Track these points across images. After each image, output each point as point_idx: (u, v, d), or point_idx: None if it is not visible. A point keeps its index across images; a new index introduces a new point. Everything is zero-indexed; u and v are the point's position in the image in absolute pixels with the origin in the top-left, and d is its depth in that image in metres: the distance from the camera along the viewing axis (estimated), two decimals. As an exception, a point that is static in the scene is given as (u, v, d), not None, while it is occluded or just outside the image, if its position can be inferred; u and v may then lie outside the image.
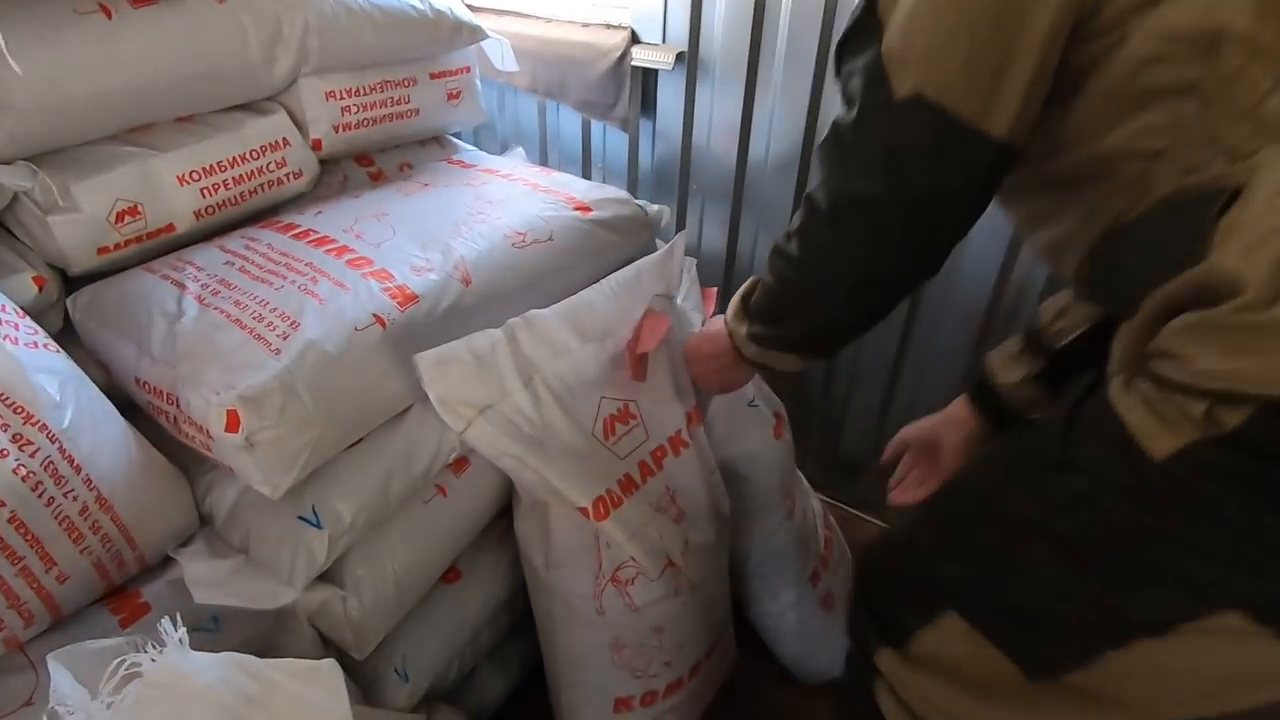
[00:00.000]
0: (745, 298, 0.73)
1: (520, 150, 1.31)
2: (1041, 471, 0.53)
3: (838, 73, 0.59)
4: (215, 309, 0.74)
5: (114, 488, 0.63)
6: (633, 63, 1.29)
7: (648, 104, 1.41)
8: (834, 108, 1.20)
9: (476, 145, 1.68)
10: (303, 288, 0.77)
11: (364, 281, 0.79)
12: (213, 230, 0.93)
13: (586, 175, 1.60)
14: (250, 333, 0.72)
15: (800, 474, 1.15)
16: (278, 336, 0.72)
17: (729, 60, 1.27)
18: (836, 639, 1.12)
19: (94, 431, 0.62)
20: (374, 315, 0.76)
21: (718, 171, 1.39)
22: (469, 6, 1.49)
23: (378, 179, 1.10)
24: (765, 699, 1.15)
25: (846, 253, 0.59)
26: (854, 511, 1.50)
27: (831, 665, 1.13)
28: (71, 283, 0.84)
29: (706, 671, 0.97)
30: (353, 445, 0.77)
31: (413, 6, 0.99)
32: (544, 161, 1.65)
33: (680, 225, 1.50)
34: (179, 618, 0.52)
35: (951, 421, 0.85)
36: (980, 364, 0.84)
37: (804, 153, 1.27)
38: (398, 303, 0.78)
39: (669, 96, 1.37)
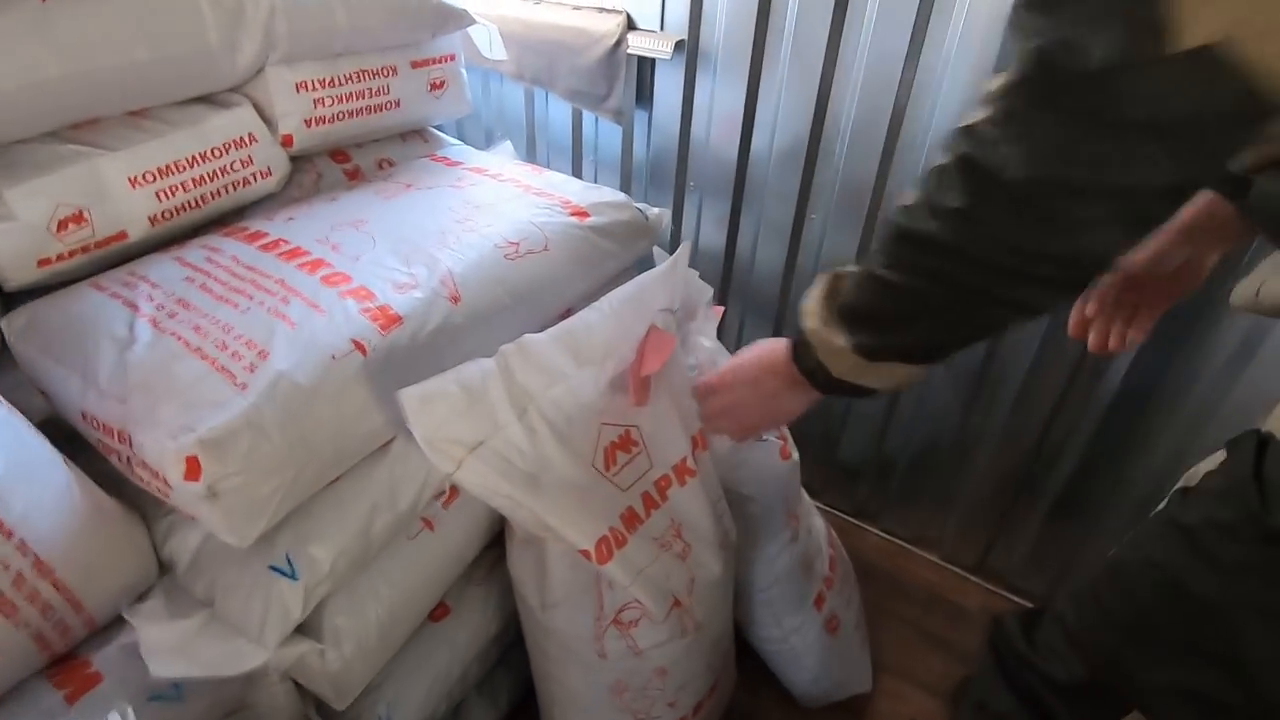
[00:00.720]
0: (831, 297, 0.56)
1: (508, 144, 1.22)
2: (1249, 547, 0.47)
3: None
4: (172, 334, 0.66)
5: (54, 549, 0.55)
6: (628, 51, 1.20)
7: (643, 94, 1.32)
8: (845, 98, 1.13)
9: (460, 135, 1.59)
10: (272, 309, 0.69)
11: (341, 302, 0.71)
12: (170, 237, 0.84)
13: (577, 167, 1.52)
14: (212, 363, 0.64)
15: (804, 491, 1.11)
16: (243, 368, 0.64)
17: (732, 48, 1.19)
18: (840, 663, 1.09)
19: (29, 485, 0.55)
20: (353, 341, 0.68)
21: (717, 166, 1.32)
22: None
23: (355, 177, 1.01)
24: (765, 721, 1.11)
25: (1045, 244, 0.43)
26: (852, 520, 1.46)
27: (835, 688, 1.09)
28: (10, 299, 0.75)
29: (710, 707, 0.92)
30: (330, 483, 0.70)
31: (389, -12, 0.90)
32: (532, 152, 1.56)
33: (677, 222, 1.43)
34: (130, 712, 0.45)
35: (1200, 220, 0.66)
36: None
37: (810, 147, 1.20)
38: (379, 325, 0.71)
39: (666, 86, 1.29)
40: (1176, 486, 0.62)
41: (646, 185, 1.43)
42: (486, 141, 1.61)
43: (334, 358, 0.67)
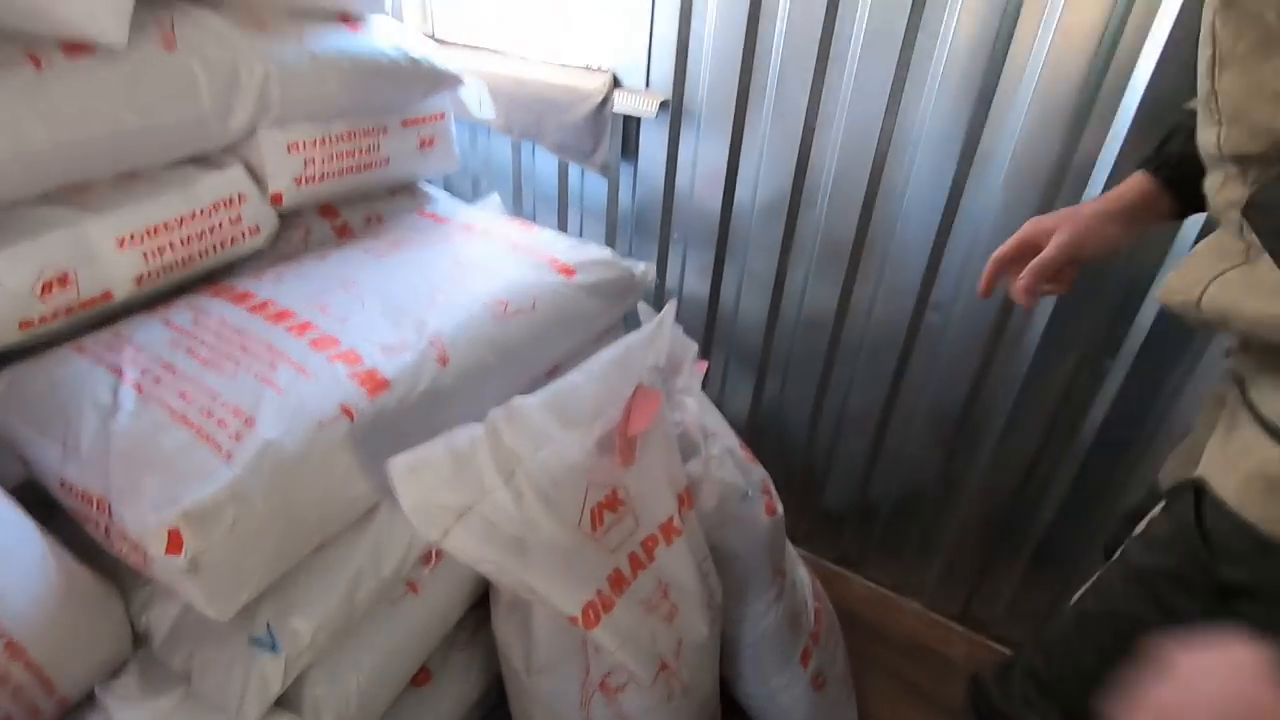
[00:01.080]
0: None
1: (496, 198, 1.24)
2: (1205, 599, 0.48)
3: None
4: (157, 402, 0.66)
5: (27, 628, 0.54)
6: (614, 110, 1.24)
7: (628, 148, 1.35)
8: (826, 153, 1.16)
9: (447, 185, 1.61)
10: (259, 374, 0.69)
11: (329, 366, 0.71)
12: (156, 295, 0.84)
13: (563, 217, 1.54)
14: (198, 432, 0.64)
15: (790, 545, 1.11)
16: (229, 437, 0.64)
17: (715, 105, 1.23)
18: (826, 718, 1.08)
19: (3, 562, 0.53)
20: (340, 406, 0.68)
21: (701, 218, 1.35)
22: (439, 40, 1.42)
23: (344, 233, 1.02)
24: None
25: None
26: (836, 568, 1.46)
27: (821, 744, 1.08)
28: (-10, 360, 0.74)
29: (697, 770, 0.91)
30: (313, 550, 0.69)
31: (384, 54, 0.92)
32: (518, 201, 1.58)
33: (662, 272, 1.45)
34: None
35: (1143, 202, 0.66)
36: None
37: (791, 200, 1.23)
38: (367, 390, 0.71)
39: (651, 141, 1.32)
40: (1133, 534, 0.63)
41: (632, 235, 1.46)
42: (474, 190, 1.63)
43: (321, 424, 0.66)
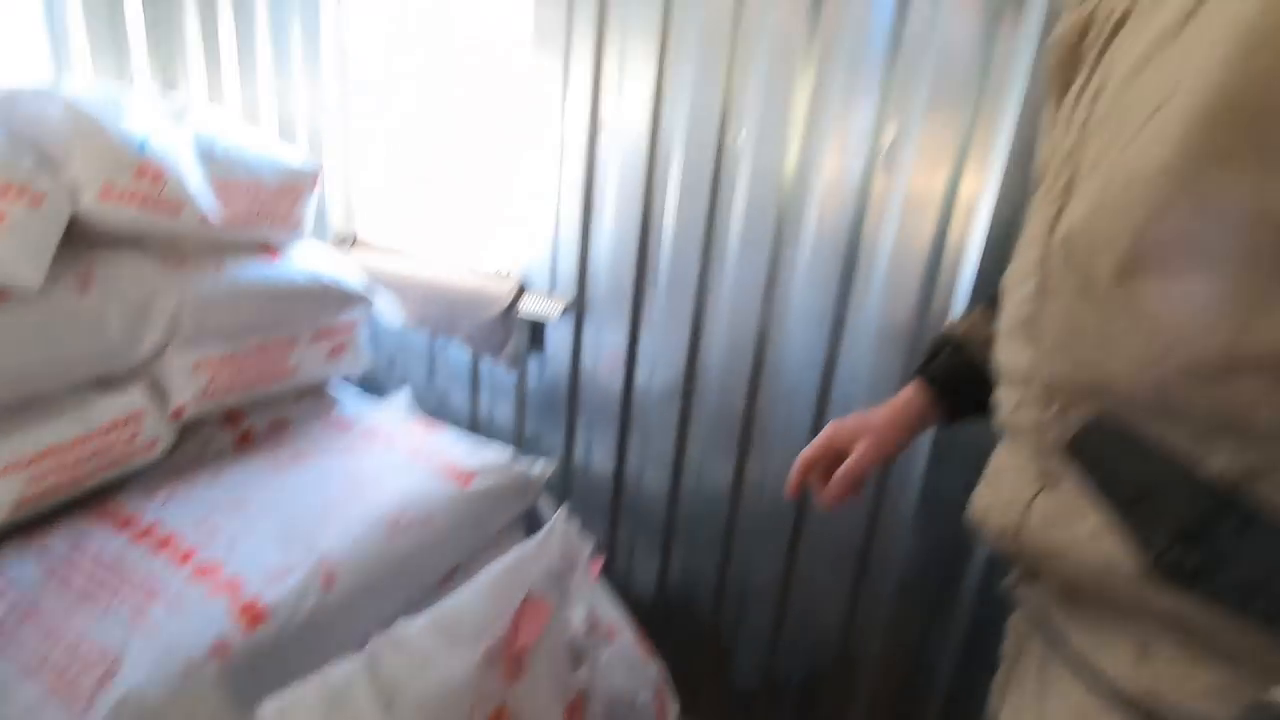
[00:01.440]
0: None
1: (406, 392, 1.29)
2: None
3: None
4: (14, 652, 0.64)
5: None
6: (520, 316, 1.35)
7: (536, 339, 1.46)
8: (714, 340, 1.28)
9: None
10: (132, 612, 0.69)
11: (207, 601, 0.71)
12: (38, 513, 0.83)
13: (475, 396, 1.60)
14: (56, 681, 0.62)
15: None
16: (91, 683, 0.62)
17: (614, 299, 1.35)
18: None
19: None
20: (214, 644, 0.68)
21: (604, 398, 1.43)
22: (361, 242, 1.54)
23: (245, 440, 1.04)
24: None
25: None
26: (750, 748, 1.44)
27: None
28: None
29: None
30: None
31: (298, 280, 1.00)
32: (431, 380, 1.64)
33: (569, 450, 1.51)
34: None
35: (895, 413, 0.73)
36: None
37: (686, 381, 1.34)
38: (245, 622, 0.71)
39: (557, 333, 1.43)
40: None
41: (540, 411, 1.53)
42: (389, 369, 1.69)
43: (192, 664, 0.66)
